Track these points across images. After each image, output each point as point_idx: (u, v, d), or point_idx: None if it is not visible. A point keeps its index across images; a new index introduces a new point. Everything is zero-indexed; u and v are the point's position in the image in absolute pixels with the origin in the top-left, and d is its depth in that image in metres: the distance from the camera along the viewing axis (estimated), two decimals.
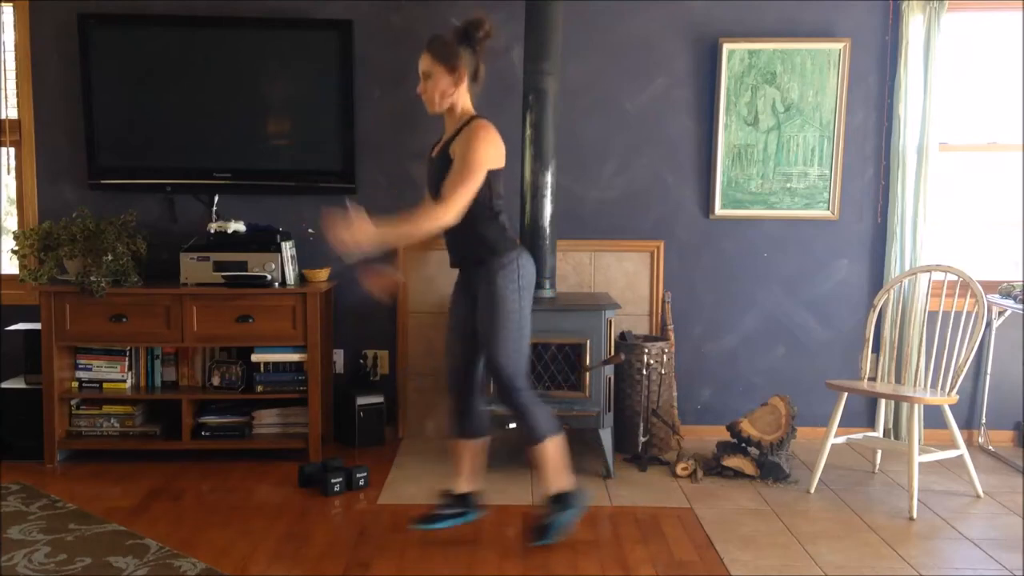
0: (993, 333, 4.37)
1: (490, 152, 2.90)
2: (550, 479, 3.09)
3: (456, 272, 3.17)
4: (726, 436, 3.98)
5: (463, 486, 3.16)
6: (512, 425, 3.79)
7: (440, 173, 2.95)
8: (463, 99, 2.99)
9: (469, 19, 2.96)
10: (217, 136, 4.24)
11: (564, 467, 3.11)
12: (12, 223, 4.47)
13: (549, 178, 3.91)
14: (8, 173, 4.42)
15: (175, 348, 4.14)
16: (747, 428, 3.88)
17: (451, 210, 2.83)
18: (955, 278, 3.77)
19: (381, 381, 4.45)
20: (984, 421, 4.42)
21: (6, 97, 4.36)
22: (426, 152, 3.20)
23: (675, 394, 4.28)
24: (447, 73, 2.93)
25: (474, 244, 2.98)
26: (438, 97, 2.96)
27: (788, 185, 4.37)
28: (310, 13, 4.26)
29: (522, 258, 3.02)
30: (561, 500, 3.10)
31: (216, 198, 4.30)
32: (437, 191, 2.98)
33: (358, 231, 2.74)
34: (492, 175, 2.94)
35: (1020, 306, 4.07)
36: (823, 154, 4.35)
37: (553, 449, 3.06)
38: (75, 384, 4.09)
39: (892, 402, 4.27)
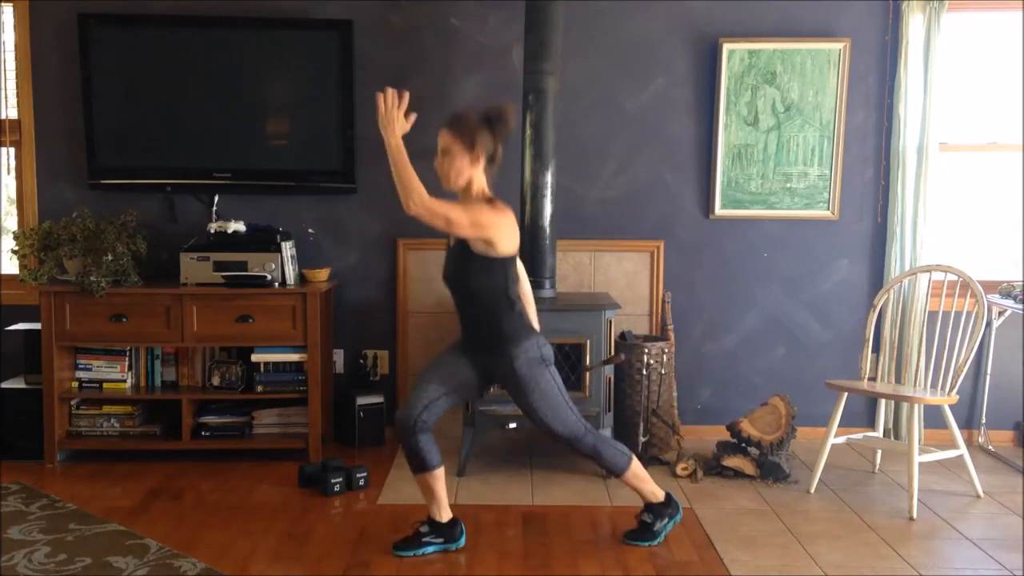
0: (993, 333, 4.37)
1: (504, 231, 2.91)
2: (648, 493, 3.18)
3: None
4: (726, 436, 3.98)
5: (445, 514, 3.11)
6: (512, 426, 3.81)
7: (458, 262, 2.97)
8: (479, 180, 2.97)
9: (494, 107, 2.97)
10: (217, 136, 4.24)
11: (651, 481, 3.19)
12: (12, 223, 4.47)
13: (549, 178, 3.91)
14: (8, 173, 4.42)
15: (175, 348, 4.13)
16: (747, 428, 3.88)
17: (423, 206, 2.79)
18: (955, 278, 3.77)
19: (381, 381, 4.45)
20: (984, 421, 4.42)
21: (6, 97, 4.36)
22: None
23: (675, 394, 4.28)
24: (465, 152, 2.92)
25: (493, 335, 2.98)
26: (453, 174, 2.94)
27: (788, 185, 4.37)
28: (310, 13, 4.26)
29: (539, 340, 3.03)
30: (662, 507, 3.18)
31: (216, 198, 4.30)
32: (455, 281, 3.01)
33: (394, 118, 2.79)
34: (509, 263, 2.97)
35: (1020, 306, 4.06)
36: (823, 154, 4.35)
37: (636, 471, 3.14)
38: (75, 384, 4.09)
39: (892, 402, 4.27)
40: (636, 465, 3.15)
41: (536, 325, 3.11)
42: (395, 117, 2.80)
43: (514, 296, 3.00)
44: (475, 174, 2.95)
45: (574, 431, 3.05)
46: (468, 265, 2.94)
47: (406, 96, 2.82)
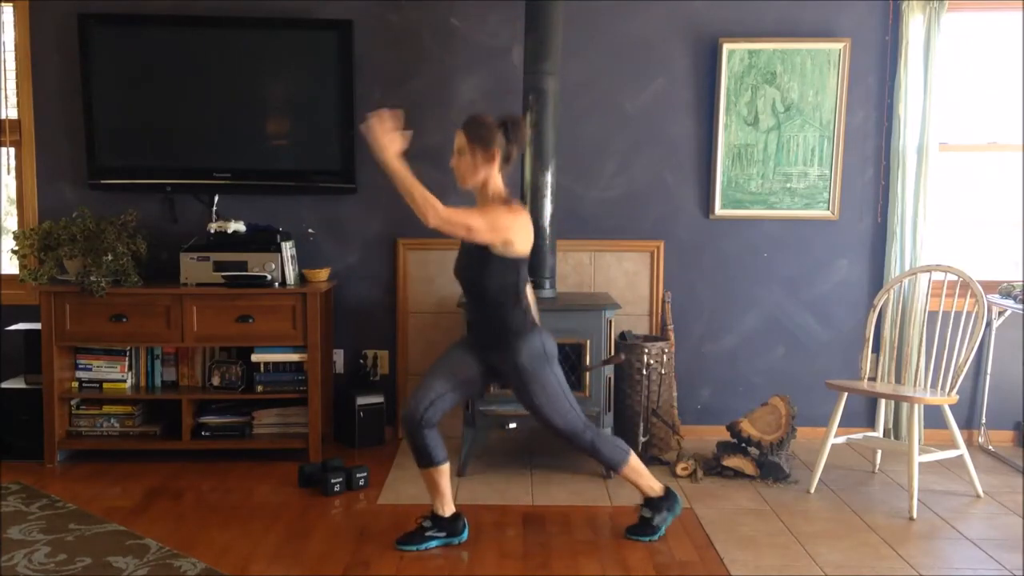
0: (993, 333, 4.37)
1: (521, 232, 2.97)
2: (646, 487, 3.22)
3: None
4: (726, 436, 3.98)
5: (448, 508, 3.15)
6: (512, 426, 3.81)
7: (472, 259, 3.00)
8: (495, 180, 3.01)
9: (511, 116, 3.04)
10: (217, 136, 4.24)
11: (649, 475, 3.23)
12: (12, 223, 4.47)
13: (549, 178, 3.92)
14: (8, 173, 4.42)
15: (175, 348, 4.13)
16: (747, 428, 3.88)
17: (441, 219, 2.82)
18: (955, 278, 3.77)
19: (381, 381, 4.45)
20: (984, 421, 4.42)
21: (6, 97, 4.36)
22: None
23: (675, 394, 4.28)
24: (480, 152, 2.96)
25: (499, 329, 3.04)
26: (469, 174, 2.99)
27: (788, 185, 4.37)
28: (310, 13, 4.25)
29: (543, 335, 3.08)
30: (661, 501, 3.21)
31: (216, 198, 4.30)
32: (468, 278, 3.06)
33: (388, 134, 2.79)
34: (522, 262, 3.02)
35: (1020, 306, 4.06)
36: (823, 154, 4.35)
37: (634, 466, 3.19)
38: (75, 384, 4.09)
39: (892, 402, 4.27)
40: (634, 460, 3.19)
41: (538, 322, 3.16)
42: (391, 139, 2.79)
43: (523, 293, 3.05)
44: (491, 174, 2.99)
45: (574, 426, 3.10)
46: (483, 263, 2.97)
47: (399, 114, 2.84)
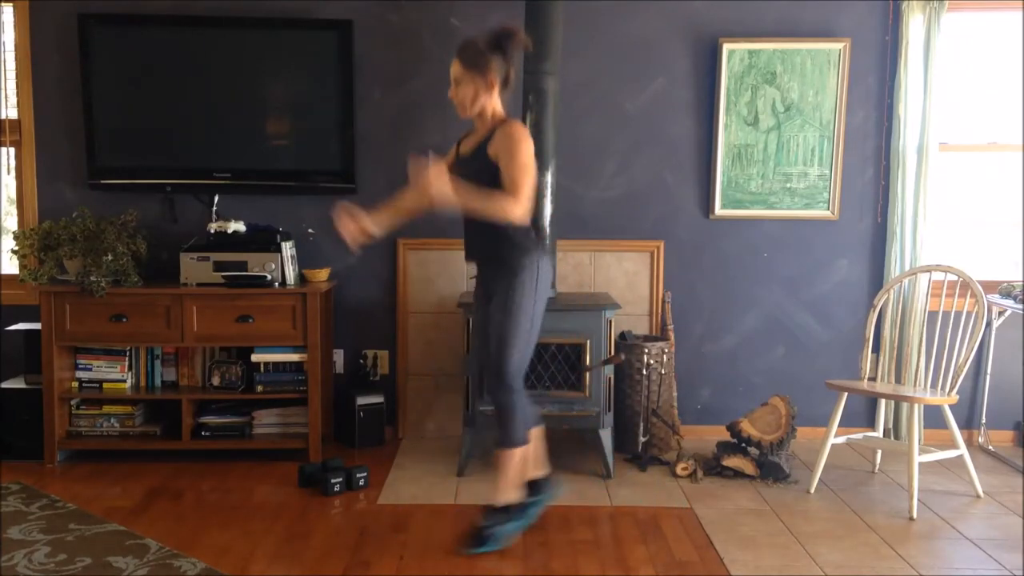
0: (993, 333, 4.37)
1: (531, 150, 2.97)
2: (505, 488, 3.09)
3: (470, 269, 3.22)
4: (726, 436, 3.98)
5: (533, 474, 3.19)
6: None
7: (476, 172, 2.98)
8: (494, 103, 3.02)
9: (503, 27, 3.00)
10: (217, 136, 4.24)
11: (521, 480, 3.14)
12: (12, 223, 4.47)
13: (549, 178, 3.91)
14: (8, 173, 4.42)
15: (175, 348, 4.13)
16: (747, 428, 3.88)
17: (521, 205, 2.89)
18: (955, 278, 3.77)
19: (381, 381, 4.45)
20: (984, 421, 4.42)
21: (6, 97, 4.36)
22: (447, 153, 3.21)
23: (675, 394, 4.28)
24: (477, 79, 2.96)
25: (498, 241, 3.00)
26: (468, 102, 3.00)
27: (788, 185, 4.37)
28: (310, 13, 4.25)
29: (542, 261, 3.06)
30: (507, 511, 3.10)
31: (216, 198, 4.30)
32: None
33: (437, 175, 2.81)
34: None
35: (1020, 306, 4.06)
36: (823, 154, 4.35)
37: (519, 459, 3.09)
38: (75, 384, 4.09)
39: (892, 402, 4.27)
40: (526, 453, 3.10)
41: None
42: (437, 174, 2.83)
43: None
44: (489, 99, 2.99)
45: (515, 372, 3.02)
46: (487, 177, 2.94)
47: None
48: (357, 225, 3.03)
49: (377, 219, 3.12)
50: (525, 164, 2.92)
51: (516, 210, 2.88)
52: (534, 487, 3.21)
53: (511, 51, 2.98)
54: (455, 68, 2.99)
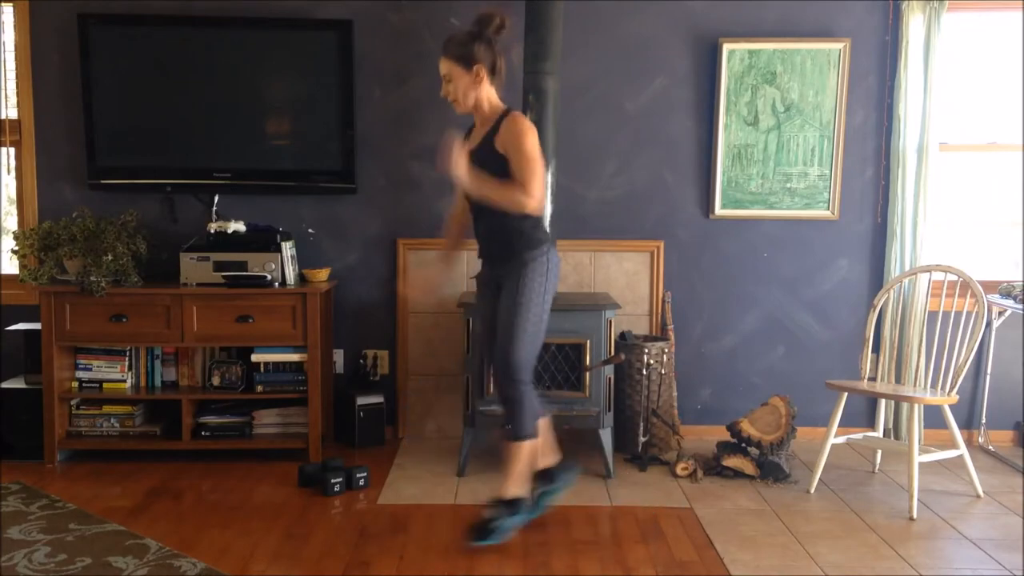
0: (993, 333, 4.37)
1: (536, 141, 2.98)
2: (512, 481, 3.11)
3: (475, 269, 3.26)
4: (726, 436, 3.98)
5: (543, 463, 3.24)
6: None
7: (487, 167, 2.99)
8: (488, 94, 3.03)
9: (481, 14, 3.00)
10: (217, 136, 4.24)
11: (528, 474, 3.14)
12: (12, 223, 4.47)
13: (549, 178, 3.91)
14: (8, 173, 4.42)
15: (175, 348, 4.13)
16: (747, 428, 3.88)
17: (534, 198, 2.90)
18: (955, 278, 3.77)
19: (381, 381, 4.45)
20: (984, 421, 4.42)
21: (6, 97, 4.36)
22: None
23: (675, 394, 4.28)
24: (465, 72, 2.98)
25: (509, 235, 3.01)
26: (461, 97, 3.02)
27: (788, 185, 4.37)
28: (310, 13, 4.25)
29: (552, 253, 3.08)
30: (512, 504, 3.11)
31: (216, 198, 4.30)
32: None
33: (458, 161, 2.86)
34: None
35: (1020, 306, 4.06)
36: (823, 154, 4.35)
37: (528, 452, 3.11)
38: (75, 384, 4.09)
39: (892, 402, 4.27)
40: (535, 447, 3.11)
41: None
42: (459, 159, 2.87)
43: None
44: (482, 91, 3.00)
45: (522, 365, 3.03)
46: (496, 171, 2.96)
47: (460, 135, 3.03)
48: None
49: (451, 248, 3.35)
50: (533, 156, 2.93)
51: (530, 202, 2.90)
52: (546, 476, 3.25)
53: (492, 36, 2.98)
54: (443, 64, 3.02)
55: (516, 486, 3.12)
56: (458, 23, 4.30)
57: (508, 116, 3.00)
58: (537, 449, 3.16)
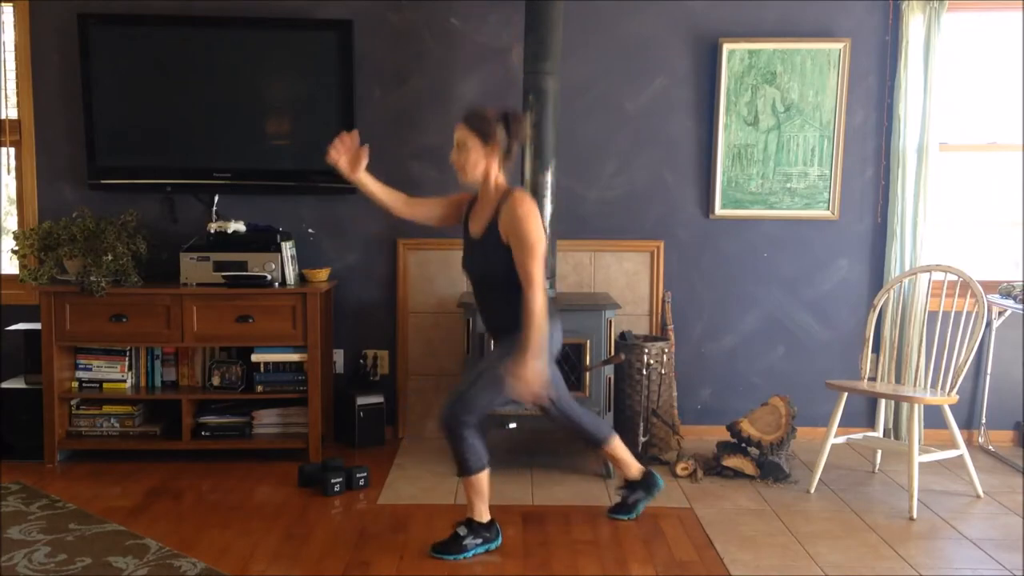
0: (993, 333, 4.37)
1: (539, 225, 2.95)
2: (471, 508, 3.09)
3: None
4: (726, 436, 3.98)
5: (631, 474, 3.41)
6: (512, 426, 3.81)
7: (489, 254, 2.99)
8: (495, 172, 3.01)
9: (512, 110, 3.04)
10: (217, 136, 4.24)
11: (485, 499, 3.10)
12: (12, 223, 4.47)
13: (549, 178, 3.91)
14: (8, 173, 4.42)
15: (175, 348, 4.13)
16: (747, 428, 3.88)
17: (539, 289, 2.89)
18: (955, 278, 3.77)
19: (381, 381, 4.45)
20: (984, 421, 4.42)
21: (6, 97, 4.36)
22: (462, 226, 3.18)
23: (675, 394, 4.28)
24: (481, 145, 2.97)
25: (513, 314, 2.96)
26: (469, 166, 2.99)
27: (788, 185, 4.37)
28: (310, 13, 4.25)
29: (554, 327, 3.04)
30: (486, 528, 3.10)
31: (216, 198, 4.30)
32: (483, 273, 3.06)
33: (536, 379, 2.89)
34: None
35: (1020, 306, 4.06)
36: (823, 154, 4.35)
37: (477, 482, 3.07)
38: (75, 384, 4.09)
39: (892, 402, 4.27)
40: (480, 479, 3.07)
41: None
42: (535, 377, 2.88)
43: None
44: (491, 166, 2.99)
45: (469, 406, 2.99)
46: (502, 258, 2.95)
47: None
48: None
49: (366, 179, 3.19)
50: (534, 247, 2.90)
51: (539, 298, 2.89)
52: (636, 485, 3.40)
53: (515, 129, 2.99)
54: (460, 131, 2.99)
55: (478, 511, 3.10)
56: (458, 23, 4.31)
57: (510, 197, 2.96)
58: (482, 483, 3.09)
